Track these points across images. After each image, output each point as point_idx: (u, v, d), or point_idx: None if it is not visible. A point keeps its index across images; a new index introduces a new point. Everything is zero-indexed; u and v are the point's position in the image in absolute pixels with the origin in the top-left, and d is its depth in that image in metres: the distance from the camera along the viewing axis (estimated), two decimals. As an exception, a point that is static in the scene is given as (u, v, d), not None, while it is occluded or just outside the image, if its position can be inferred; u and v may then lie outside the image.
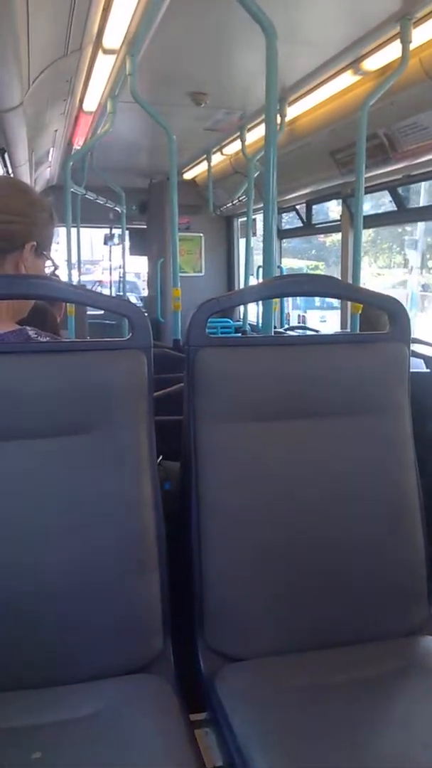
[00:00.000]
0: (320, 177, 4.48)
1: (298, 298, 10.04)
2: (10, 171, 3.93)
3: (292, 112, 3.85)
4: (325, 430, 1.30)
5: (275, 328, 2.68)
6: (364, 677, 1.16)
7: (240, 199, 5.59)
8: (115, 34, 2.80)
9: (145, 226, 7.39)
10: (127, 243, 6.88)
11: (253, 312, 5.82)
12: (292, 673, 1.17)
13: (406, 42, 2.63)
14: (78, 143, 5.08)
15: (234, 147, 5.05)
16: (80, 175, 5.60)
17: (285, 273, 5.80)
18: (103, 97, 3.81)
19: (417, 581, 1.32)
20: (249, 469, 1.26)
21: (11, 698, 1.10)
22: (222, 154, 5.43)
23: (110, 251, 7.94)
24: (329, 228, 5.74)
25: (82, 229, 6.19)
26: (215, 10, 2.57)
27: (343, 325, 4.69)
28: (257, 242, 5.60)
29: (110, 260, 8.16)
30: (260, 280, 4.15)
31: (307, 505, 1.28)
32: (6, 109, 2.73)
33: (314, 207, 5.52)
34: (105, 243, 7.86)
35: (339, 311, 4.88)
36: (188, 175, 6.55)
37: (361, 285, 3.00)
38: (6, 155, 3.61)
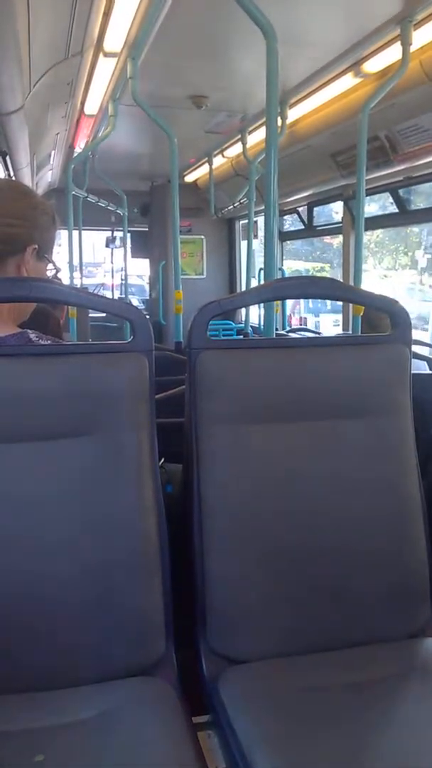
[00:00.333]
0: (321, 179, 4.48)
1: (310, 302, 10.05)
2: (12, 174, 3.93)
3: (293, 114, 3.86)
4: (326, 432, 1.30)
5: (277, 330, 2.68)
6: (367, 680, 1.16)
7: (241, 201, 5.59)
8: (116, 38, 2.81)
9: (146, 229, 7.40)
10: (128, 246, 6.89)
11: (255, 314, 5.82)
12: (294, 675, 1.17)
13: (406, 44, 2.64)
14: (79, 146, 5.09)
15: (235, 149, 5.06)
16: (82, 178, 5.61)
17: (286, 275, 5.80)
18: (104, 100, 3.82)
19: (419, 583, 1.32)
20: (251, 472, 1.26)
21: (14, 701, 1.10)
22: (223, 156, 5.44)
23: (112, 254, 7.94)
24: (330, 230, 5.74)
25: (83, 232, 6.20)
26: (216, 13, 2.57)
27: (345, 327, 4.69)
28: (259, 244, 5.60)
29: (112, 263, 8.17)
30: (262, 282, 4.16)
31: (308, 507, 1.28)
32: (7, 113, 2.73)
33: (319, 209, 5.52)
34: (107, 246, 7.87)
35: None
36: (189, 178, 6.56)
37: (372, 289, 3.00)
38: (7, 158, 3.62)
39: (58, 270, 1.41)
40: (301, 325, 8.55)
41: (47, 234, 1.34)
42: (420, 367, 2.66)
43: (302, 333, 5.64)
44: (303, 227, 5.70)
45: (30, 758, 0.97)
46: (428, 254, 13.29)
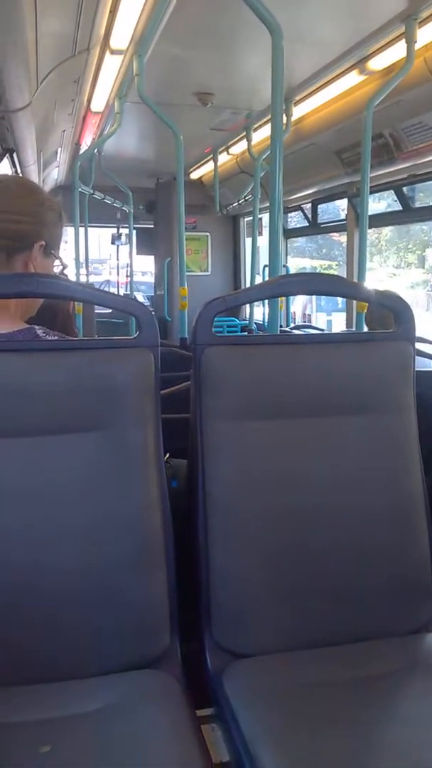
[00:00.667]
0: (326, 176, 4.48)
1: (322, 301, 10.02)
2: (19, 171, 3.94)
3: (298, 111, 3.86)
4: (330, 428, 1.31)
5: (281, 326, 2.68)
6: (370, 674, 1.17)
7: (246, 198, 5.59)
8: (122, 35, 2.82)
9: (152, 226, 7.39)
10: (134, 242, 6.89)
11: (259, 311, 5.83)
12: (298, 669, 1.18)
13: (411, 42, 2.63)
14: (85, 143, 5.09)
15: (240, 147, 5.05)
16: (88, 175, 5.61)
17: (290, 272, 5.80)
18: (110, 98, 3.83)
19: (423, 579, 1.32)
20: (255, 467, 1.26)
21: (20, 693, 1.11)
22: (228, 153, 5.44)
23: (117, 250, 7.94)
24: (334, 227, 5.74)
25: (89, 229, 6.21)
26: (221, 11, 2.57)
27: (349, 324, 4.69)
28: (263, 241, 5.61)
29: (117, 260, 8.17)
30: (266, 279, 4.16)
31: (313, 502, 1.28)
32: (15, 110, 2.74)
33: (325, 206, 5.51)
34: (112, 242, 7.87)
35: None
36: (195, 175, 6.55)
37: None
38: (15, 155, 3.62)
39: (64, 266, 1.42)
40: (305, 322, 8.55)
41: (54, 230, 1.35)
42: (425, 365, 2.66)
43: (306, 330, 5.64)
44: (307, 224, 5.70)
45: (36, 749, 0.98)
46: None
